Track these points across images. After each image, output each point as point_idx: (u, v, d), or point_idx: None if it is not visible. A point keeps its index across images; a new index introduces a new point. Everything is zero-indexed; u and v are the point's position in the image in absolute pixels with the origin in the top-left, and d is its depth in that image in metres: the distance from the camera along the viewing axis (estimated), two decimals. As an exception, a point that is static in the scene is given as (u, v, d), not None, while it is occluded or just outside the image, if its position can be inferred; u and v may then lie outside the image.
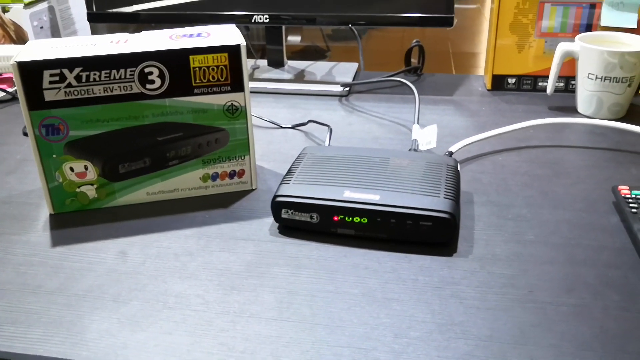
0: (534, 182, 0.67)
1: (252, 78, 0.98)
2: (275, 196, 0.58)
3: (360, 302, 0.49)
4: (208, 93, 0.61)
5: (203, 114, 0.62)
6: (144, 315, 0.48)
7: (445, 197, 0.56)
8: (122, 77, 0.59)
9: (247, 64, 0.64)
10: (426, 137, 0.71)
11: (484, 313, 0.48)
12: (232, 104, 0.62)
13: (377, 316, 0.48)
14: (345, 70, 1.00)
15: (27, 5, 1.05)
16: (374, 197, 0.56)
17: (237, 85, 0.62)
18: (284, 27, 1.00)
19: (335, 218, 0.57)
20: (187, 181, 0.64)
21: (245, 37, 1.25)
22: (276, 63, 1.02)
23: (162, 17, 0.97)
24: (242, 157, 0.65)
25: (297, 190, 0.58)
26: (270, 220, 0.61)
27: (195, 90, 0.61)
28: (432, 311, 0.48)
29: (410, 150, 0.69)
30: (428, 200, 0.55)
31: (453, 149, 0.70)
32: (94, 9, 0.98)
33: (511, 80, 0.93)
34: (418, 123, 0.75)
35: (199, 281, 0.52)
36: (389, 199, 0.56)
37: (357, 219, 0.56)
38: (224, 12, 0.95)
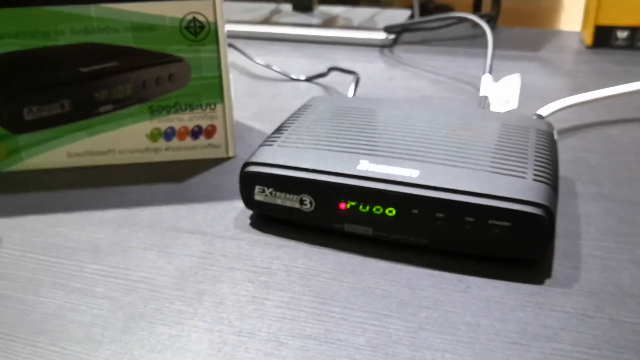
0: (674, 168, 0.42)
1: (265, 22, 0.75)
2: (247, 164, 0.35)
3: (367, 365, 0.26)
4: (157, -1, 0.39)
5: (149, 34, 0.40)
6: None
7: (535, 179, 0.32)
8: (20, -36, 0.37)
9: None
10: (503, 93, 0.47)
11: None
12: (194, 17, 0.39)
13: (396, 399, 0.24)
14: (393, 18, 0.76)
15: None
16: (410, 172, 0.32)
17: (202, -13, 0.39)
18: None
19: (342, 205, 0.33)
20: (127, 139, 0.42)
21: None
22: (303, 7, 0.79)
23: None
24: (212, 107, 0.42)
25: (282, 156, 0.35)
26: (242, 205, 0.38)
27: (137, -6, 0.39)
28: (506, 397, 0.24)
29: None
30: (506, 183, 0.31)
31: (543, 112, 0.45)
32: None
33: (622, 34, 0.67)
34: (491, 73, 0.50)
35: (90, 298, 0.30)
36: (436, 176, 0.32)
37: (378, 209, 0.33)
38: None
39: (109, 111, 0.41)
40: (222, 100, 0.42)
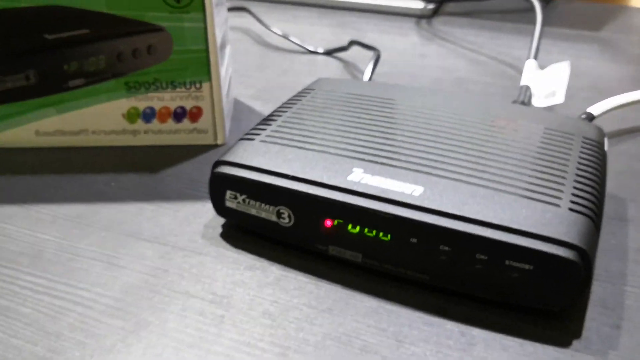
0: None
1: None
2: (218, 163, 0.29)
3: None
4: (133, -44, 0.33)
5: (124, -3, 0.34)
6: None
7: (572, 209, 0.25)
8: None
9: None
10: (548, 84, 0.39)
11: None
12: (175, -20, 0.33)
13: None
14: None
15: None
16: (411, 189, 0.26)
17: (185, -56, 0.33)
18: None
19: (328, 223, 0.27)
20: (101, 118, 0.37)
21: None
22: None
23: None
24: (197, 85, 0.36)
25: (261, 156, 0.29)
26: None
27: (110, -51, 0.33)
28: None
29: (514, 103, 0.37)
30: (533, 212, 0.24)
31: (594, 110, 0.37)
32: None
33: (703, 14, 0.57)
34: (536, 59, 0.42)
35: (11, 322, 0.25)
36: (443, 197, 0.25)
37: (370, 232, 0.26)
38: None
39: (80, 85, 0.36)
40: (209, 78, 0.36)
